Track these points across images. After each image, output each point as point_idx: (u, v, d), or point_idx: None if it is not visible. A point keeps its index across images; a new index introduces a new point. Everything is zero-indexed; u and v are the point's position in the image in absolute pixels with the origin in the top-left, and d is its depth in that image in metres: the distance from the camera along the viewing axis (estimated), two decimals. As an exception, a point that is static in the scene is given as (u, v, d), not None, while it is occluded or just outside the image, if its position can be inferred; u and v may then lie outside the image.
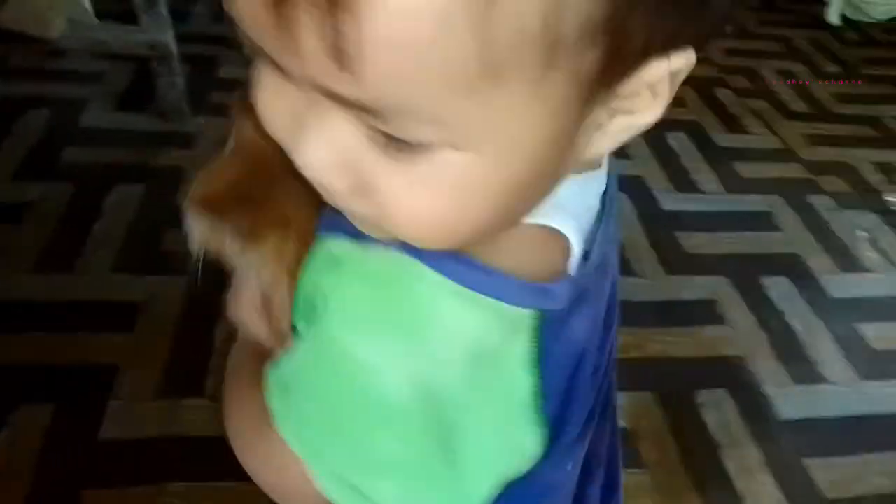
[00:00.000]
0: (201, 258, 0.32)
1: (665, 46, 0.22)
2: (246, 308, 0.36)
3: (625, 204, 1.42)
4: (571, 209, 0.29)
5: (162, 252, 1.14)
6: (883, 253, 1.42)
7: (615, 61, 0.21)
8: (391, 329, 0.27)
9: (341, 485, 0.28)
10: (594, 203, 0.32)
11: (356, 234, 0.27)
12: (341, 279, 0.28)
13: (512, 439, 0.29)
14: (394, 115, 0.21)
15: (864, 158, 1.71)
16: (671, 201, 1.47)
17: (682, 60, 0.23)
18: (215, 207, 0.32)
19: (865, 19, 2.33)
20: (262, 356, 0.33)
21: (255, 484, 0.34)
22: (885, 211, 1.54)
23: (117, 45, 1.36)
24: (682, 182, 1.53)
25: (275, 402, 0.29)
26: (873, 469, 1.01)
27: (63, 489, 0.82)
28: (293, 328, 0.33)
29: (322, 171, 0.24)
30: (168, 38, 1.36)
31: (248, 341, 0.37)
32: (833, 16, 2.28)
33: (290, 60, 0.21)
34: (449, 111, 0.21)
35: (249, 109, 0.30)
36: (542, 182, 0.25)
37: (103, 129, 1.41)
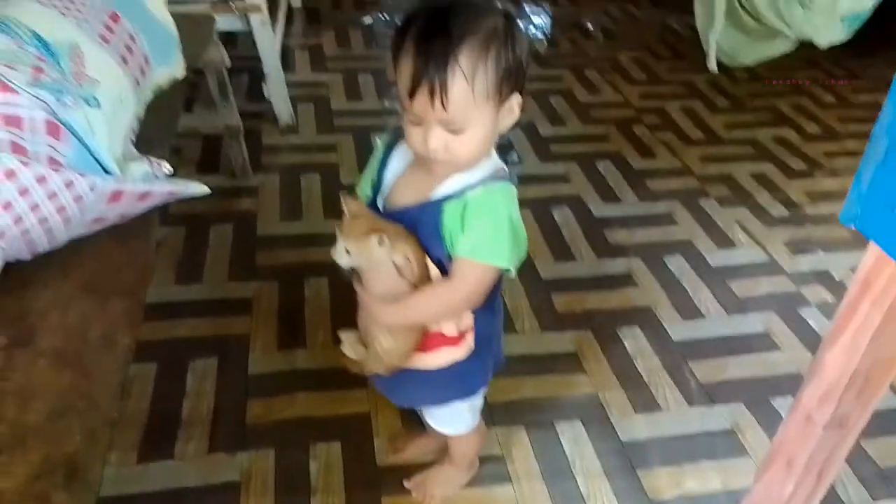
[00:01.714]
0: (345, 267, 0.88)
1: (512, 92, 0.83)
2: (387, 282, 0.90)
3: (567, 213, 2.01)
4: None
5: (257, 263, 1.70)
6: (750, 234, 2.01)
7: (506, 96, 0.82)
8: (508, 199, 0.87)
9: (509, 261, 0.87)
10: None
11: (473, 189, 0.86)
12: (487, 195, 0.85)
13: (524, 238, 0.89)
14: (458, 121, 0.80)
15: (742, 171, 2.32)
16: (600, 210, 2.06)
17: (518, 97, 0.85)
18: (364, 234, 0.85)
19: (737, 64, 2.99)
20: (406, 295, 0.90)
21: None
22: (754, 206, 2.15)
23: (204, 128, 1.93)
24: (608, 196, 2.13)
25: (473, 255, 0.85)
26: (732, 365, 1.57)
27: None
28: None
29: (436, 147, 0.81)
30: (237, 119, 1.93)
31: (389, 301, 0.91)
32: (711, 63, 2.94)
33: (432, 115, 0.79)
34: (472, 116, 0.80)
35: (348, 198, 0.89)
36: (492, 138, 0.86)
37: (193, 187, 1.96)
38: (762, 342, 1.64)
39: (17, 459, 0.72)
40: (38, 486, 0.71)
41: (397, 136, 0.94)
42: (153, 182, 1.04)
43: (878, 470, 1.36)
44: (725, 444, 1.39)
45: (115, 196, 0.97)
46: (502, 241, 0.85)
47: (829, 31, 2.83)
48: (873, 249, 0.70)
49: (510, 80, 0.81)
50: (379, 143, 0.97)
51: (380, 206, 0.93)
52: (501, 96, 0.81)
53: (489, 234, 0.85)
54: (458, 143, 0.81)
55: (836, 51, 3.00)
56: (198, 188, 1.10)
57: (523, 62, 0.82)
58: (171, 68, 1.38)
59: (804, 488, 0.82)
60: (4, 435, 0.74)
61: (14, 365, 0.82)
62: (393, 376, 0.99)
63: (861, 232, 0.69)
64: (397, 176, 0.92)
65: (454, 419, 1.11)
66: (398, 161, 0.93)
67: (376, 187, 0.94)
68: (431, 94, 0.76)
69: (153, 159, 1.09)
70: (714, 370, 1.55)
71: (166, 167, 1.08)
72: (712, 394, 1.49)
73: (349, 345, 0.98)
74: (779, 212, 2.12)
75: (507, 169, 0.90)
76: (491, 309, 0.98)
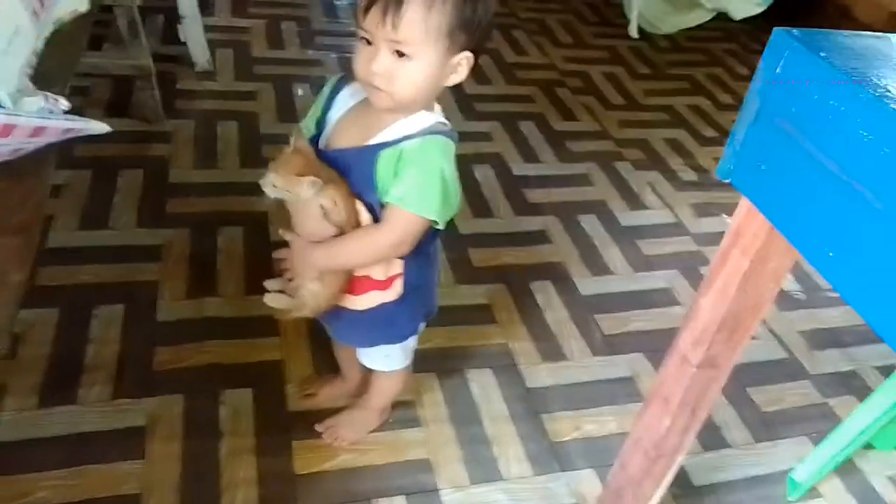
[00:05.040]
0: (272, 198, 0.87)
1: (464, 48, 0.84)
2: (313, 224, 0.90)
3: (488, 171, 2.04)
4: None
5: (167, 211, 1.66)
6: (660, 197, 2.10)
7: (453, 48, 0.83)
8: (443, 154, 0.87)
9: (438, 213, 0.87)
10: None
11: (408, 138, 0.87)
12: (423, 147, 0.86)
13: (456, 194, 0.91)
14: (406, 43, 0.80)
15: (657, 136, 2.41)
16: (520, 169, 2.10)
17: (468, 56, 0.85)
18: (296, 172, 0.85)
19: (657, 32, 3.07)
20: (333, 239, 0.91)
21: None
22: (666, 170, 2.24)
23: (112, 68, 1.84)
24: (528, 155, 2.17)
25: (402, 204, 0.86)
26: (634, 318, 1.66)
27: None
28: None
29: (380, 72, 0.82)
30: (149, 61, 1.85)
31: (315, 242, 0.92)
32: (633, 31, 3.01)
33: (381, 33, 0.80)
34: (420, 47, 0.81)
35: (298, 133, 0.88)
36: (437, 84, 0.87)
37: (102, 130, 1.87)
38: (664, 297, 1.73)
39: None
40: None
41: (346, 78, 0.95)
42: (48, 117, 1.00)
43: (761, 415, 1.48)
44: (623, 391, 1.47)
45: (6, 130, 0.93)
46: (432, 194, 0.86)
47: (744, 4, 2.93)
48: (744, 203, 0.76)
49: (466, 33, 0.83)
50: (327, 82, 0.97)
51: (321, 145, 0.93)
52: (452, 43, 0.82)
53: (420, 185, 0.86)
54: (401, 73, 0.81)
55: (753, 24, 3.13)
56: (98, 126, 1.05)
57: (484, 25, 0.84)
58: (75, 2, 1.30)
59: (679, 423, 0.88)
60: None
61: None
62: (324, 316, 1.02)
63: (734, 186, 0.74)
64: (341, 117, 0.93)
65: (385, 357, 1.13)
66: (344, 102, 0.93)
67: (320, 125, 0.95)
68: (385, 9, 0.78)
69: (50, 95, 1.04)
70: (618, 323, 1.63)
71: (63, 103, 1.03)
72: (615, 344, 1.57)
73: (273, 297, 0.98)
74: (688, 176, 2.22)
75: (449, 124, 0.91)
76: (423, 259, 1.00)
